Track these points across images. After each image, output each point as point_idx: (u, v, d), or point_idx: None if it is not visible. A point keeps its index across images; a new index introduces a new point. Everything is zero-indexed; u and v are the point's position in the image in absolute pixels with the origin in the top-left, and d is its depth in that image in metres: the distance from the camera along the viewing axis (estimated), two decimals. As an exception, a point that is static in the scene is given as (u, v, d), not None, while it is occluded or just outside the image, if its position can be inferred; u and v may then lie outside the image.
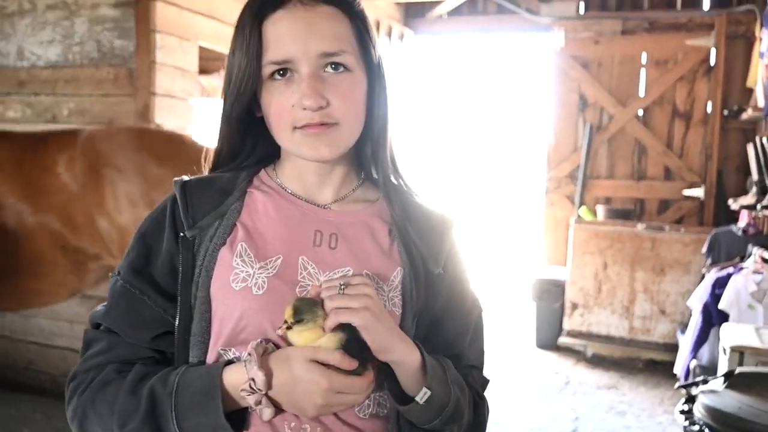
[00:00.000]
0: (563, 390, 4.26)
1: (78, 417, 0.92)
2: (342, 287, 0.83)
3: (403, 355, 0.86)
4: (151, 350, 0.93)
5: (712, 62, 5.11)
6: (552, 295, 5.06)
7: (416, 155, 6.20)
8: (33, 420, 3.32)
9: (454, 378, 0.92)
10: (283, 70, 0.89)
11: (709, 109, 5.16)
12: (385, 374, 0.89)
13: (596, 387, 4.33)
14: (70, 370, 0.97)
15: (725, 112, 5.04)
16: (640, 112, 5.36)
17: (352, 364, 0.82)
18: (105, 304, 0.96)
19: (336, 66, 0.89)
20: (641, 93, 5.34)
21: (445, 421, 0.89)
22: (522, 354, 4.99)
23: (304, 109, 0.87)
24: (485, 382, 1.04)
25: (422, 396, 0.86)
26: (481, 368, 1.04)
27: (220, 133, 0.97)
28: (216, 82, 5.05)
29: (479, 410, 0.98)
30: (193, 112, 3.58)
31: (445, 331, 0.98)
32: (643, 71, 5.33)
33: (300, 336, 0.84)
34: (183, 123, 3.51)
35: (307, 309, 0.83)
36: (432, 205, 1.01)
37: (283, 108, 0.89)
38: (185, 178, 0.96)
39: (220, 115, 0.96)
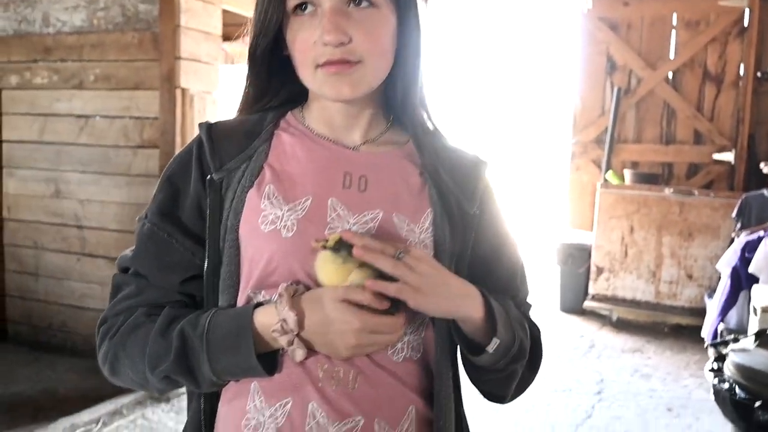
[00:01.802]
0: (588, 353, 4.27)
1: (109, 360, 0.91)
2: (400, 253, 0.82)
3: (466, 314, 0.86)
4: (180, 294, 0.91)
5: (746, 23, 4.97)
6: (577, 260, 5.04)
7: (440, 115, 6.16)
8: (68, 380, 3.42)
9: (516, 317, 0.92)
10: (306, 4, 0.87)
11: (741, 72, 5.04)
12: (453, 327, 0.89)
13: (621, 351, 4.33)
14: None
15: (758, 75, 4.93)
16: (670, 75, 5.25)
17: (383, 303, 0.81)
18: (133, 248, 0.94)
19: (360, 1, 0.87)
20: (671, 55, 5.23)
21: (509, 361, 0.90)
22: (546, 318, 4.99)
23: (325, 44, 0.85)
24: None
25: (493, 346, 0.87)
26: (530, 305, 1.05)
27: (247, 74, 0.96)
28: (240, 48, 5.03)
29: (539, 344, 1.01)
30: (218, 75, 3.57)
31: (499, 272, 0.97)
32: (673, 33, 5.21)
33: (326, 267, 0.83)
34: (208, 87, 3.51)
35: (348, 248, 0.82)
36: (464, 147, 1.00)
37: (306, 44, 0.87)
38: (210, 120, 0.95)
39: (248, 55, 0.94)
